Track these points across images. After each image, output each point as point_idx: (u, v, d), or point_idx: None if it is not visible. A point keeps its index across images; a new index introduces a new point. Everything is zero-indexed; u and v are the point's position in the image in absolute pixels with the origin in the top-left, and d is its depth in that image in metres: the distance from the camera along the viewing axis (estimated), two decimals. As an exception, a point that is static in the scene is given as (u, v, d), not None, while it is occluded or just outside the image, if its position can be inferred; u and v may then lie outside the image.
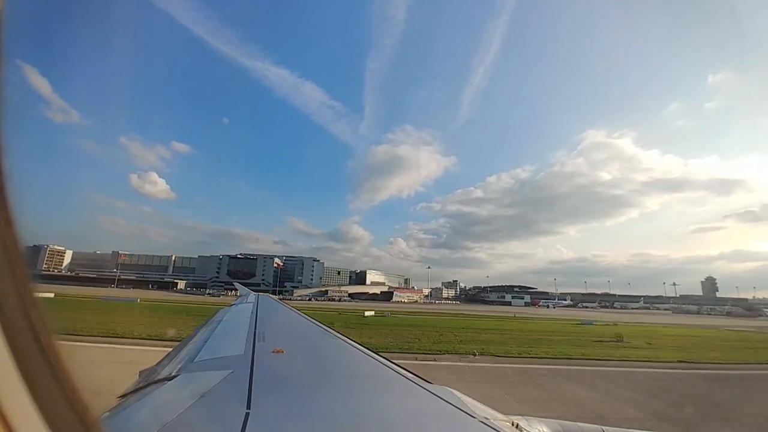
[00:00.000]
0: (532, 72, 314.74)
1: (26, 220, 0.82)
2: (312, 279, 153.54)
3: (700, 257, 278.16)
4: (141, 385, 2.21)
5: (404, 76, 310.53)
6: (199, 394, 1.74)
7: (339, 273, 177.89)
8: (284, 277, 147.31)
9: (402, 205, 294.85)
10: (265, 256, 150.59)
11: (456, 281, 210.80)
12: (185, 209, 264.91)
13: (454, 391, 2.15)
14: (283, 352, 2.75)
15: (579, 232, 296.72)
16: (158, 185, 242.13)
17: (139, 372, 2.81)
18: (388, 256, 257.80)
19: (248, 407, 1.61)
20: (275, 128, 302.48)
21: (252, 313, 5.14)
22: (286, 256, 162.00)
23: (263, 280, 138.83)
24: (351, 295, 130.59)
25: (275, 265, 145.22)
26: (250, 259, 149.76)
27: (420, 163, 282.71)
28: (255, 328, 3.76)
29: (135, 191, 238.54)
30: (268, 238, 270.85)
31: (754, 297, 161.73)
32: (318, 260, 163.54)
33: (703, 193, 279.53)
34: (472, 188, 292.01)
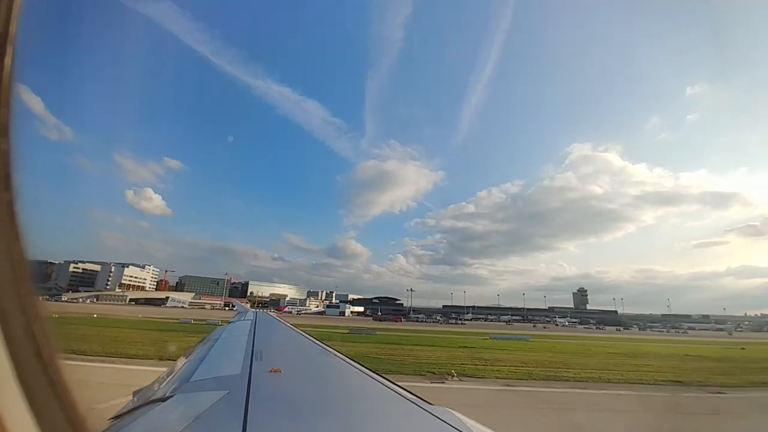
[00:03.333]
0: (517, 88, 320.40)
1: (33, 235, 0.83)
2: (108, 284, 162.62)
3: (706, 273, 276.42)
4: (134, 405, 2.16)
5: (396, 94, 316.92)
6: (193, 416, 1.70)
7: (218, 284, 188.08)
8: (86, 283, 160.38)
9: (395, 220, 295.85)
10: (64, 262, 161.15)
11: (332, 292, 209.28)
12: (183, 225, 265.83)
13: (455, 413, 2.10)
14: (280, 371, 2.70)
15: (578, 247, 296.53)
16: (154, 201, 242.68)
17: (133, 392, 2.75)
18: (389, 273, 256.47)
19: (244, 429, 1.57)
20: (274, 145, 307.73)
21: (250, 331, 5.06)
22: (115, 263, 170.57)
23: (56, 284, 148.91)
24: (134, 300, 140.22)
25: (72, 269, 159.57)
26: (47, 264, 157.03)
27: (409, 178, 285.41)
28: (252, 347, 3.69)
29: (131, 207, 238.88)
30: (266, 254, 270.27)
31: (745, 314, 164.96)
32: (130, 265, 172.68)
33: (698, 206, 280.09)
34: (464, 203, 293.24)
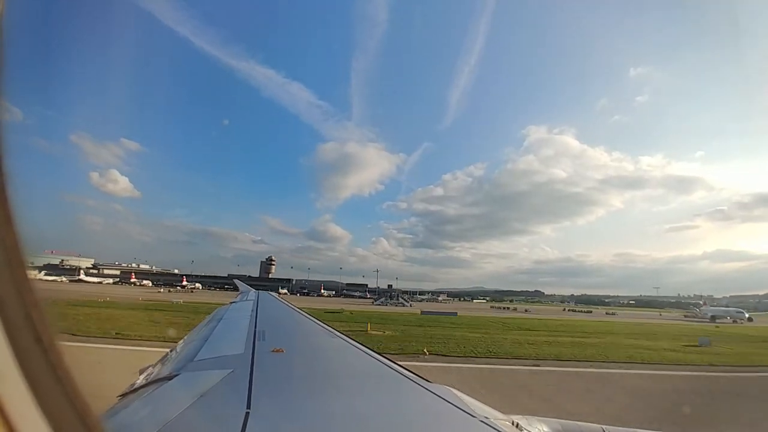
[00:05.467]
0: (477, 71, 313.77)
1: (27, 221, 0.82)
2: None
3: (684, 257, 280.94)
4: (141, 384, 2.22)
5: (363, 80, 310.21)
6: (199, 394, 1.74)
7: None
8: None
9: (366, 203, 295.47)
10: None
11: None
12: (160, 209, 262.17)
13: (454, 390, 2.16)
14: (283, 351, 2.75)
15: (554, 231, 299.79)
16: (120, 183, 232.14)
17: (140, 371, 2.82)
18: (373, 256, 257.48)
19: (248, 407, 1.61)
20: (253, 128, 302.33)
21: (252, 311, 5.14)
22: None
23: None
24: None
25: None
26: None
27: (370, 160, 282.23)
28: (255, 327, 3.76)
29: (97, 189, 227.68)
30: (247, 237, 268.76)
31: (711, 296, 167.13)
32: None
33: (663, 190, 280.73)
34: (431, 186, 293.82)
